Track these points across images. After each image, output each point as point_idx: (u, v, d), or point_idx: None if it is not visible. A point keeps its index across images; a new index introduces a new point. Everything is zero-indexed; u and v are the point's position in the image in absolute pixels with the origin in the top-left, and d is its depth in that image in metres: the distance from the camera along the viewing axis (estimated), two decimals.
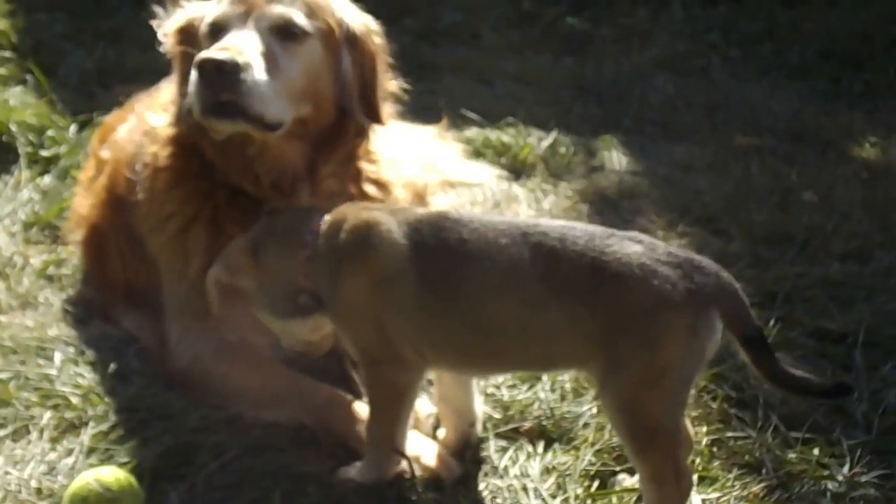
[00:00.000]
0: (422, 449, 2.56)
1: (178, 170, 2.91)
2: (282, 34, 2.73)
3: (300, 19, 2.74)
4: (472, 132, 5.02)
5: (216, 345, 2.85)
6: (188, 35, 2.86)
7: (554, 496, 2.46)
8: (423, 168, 4.06)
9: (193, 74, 2.61)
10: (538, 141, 4.95)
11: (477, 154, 4.82)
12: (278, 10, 2.74)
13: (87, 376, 2.91)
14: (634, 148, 5.11)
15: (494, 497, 2.45)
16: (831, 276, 3.65)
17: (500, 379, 2.93)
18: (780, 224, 4.14)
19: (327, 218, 2.43)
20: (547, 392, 2.88)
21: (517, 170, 4.72)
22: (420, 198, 3.89)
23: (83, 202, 3.42)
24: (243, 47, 2.63)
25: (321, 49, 2.79)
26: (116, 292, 3.24)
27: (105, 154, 3.35)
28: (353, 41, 2.87)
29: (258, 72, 2.61)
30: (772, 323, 3.27)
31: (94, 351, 3.06)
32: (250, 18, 2.71)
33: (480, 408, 2.68)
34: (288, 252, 2.41)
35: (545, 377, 2.93)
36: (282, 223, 2.49)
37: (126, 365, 2.98)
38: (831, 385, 2.32)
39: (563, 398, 2.87)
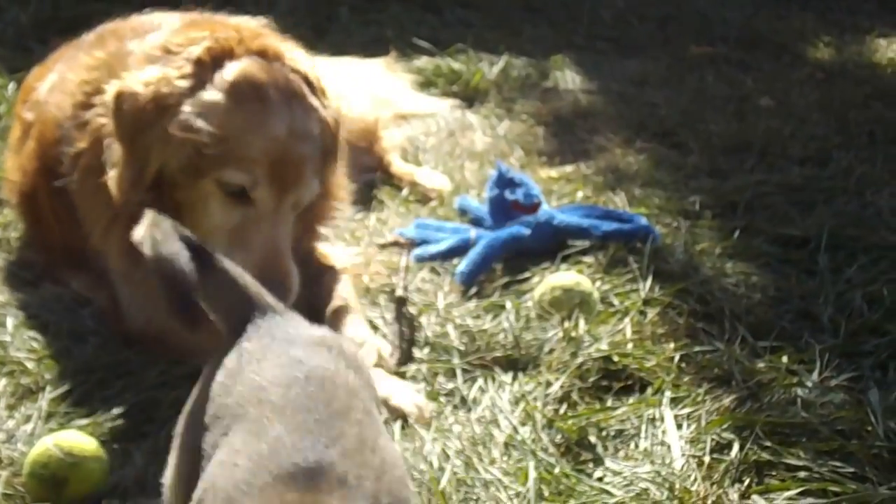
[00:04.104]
0: (389, 389, 2.51)
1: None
2: None
3: None
4: (422, 61, 4.94)
5: None
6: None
7: (524, 423, 2.43)
8: (373, 103, 3.98)
9: None
10: (489, 66, 4.89)
11: (428, 83, 4.75)
12: None
13: (42, 340, 2.83)
14: (587, 66, 5.06)
15: (464, 429, 2.42)
16: (791, 181, 3.63)
17: (463, 309, 2.90)
18: (737, 133, 4.12)
19: None
20: (511, 321, 2.84)
21: (470, 97, 4.65)
22: (372, 133, 3.82)
23: (13, 166, 3.26)
24: None
25: None
26: (57, 256, 3.12)
27: (28, 115, 3.16)
28: None
29: None
30: (735, 233, 3.24)
31: (46, 314, 2.97)
32: None
33: None
34: None
35: (509, 305, 2.90)
36: None
37: (81, 325, 2.90)
38: None
39: (527, 325, 2.83)
